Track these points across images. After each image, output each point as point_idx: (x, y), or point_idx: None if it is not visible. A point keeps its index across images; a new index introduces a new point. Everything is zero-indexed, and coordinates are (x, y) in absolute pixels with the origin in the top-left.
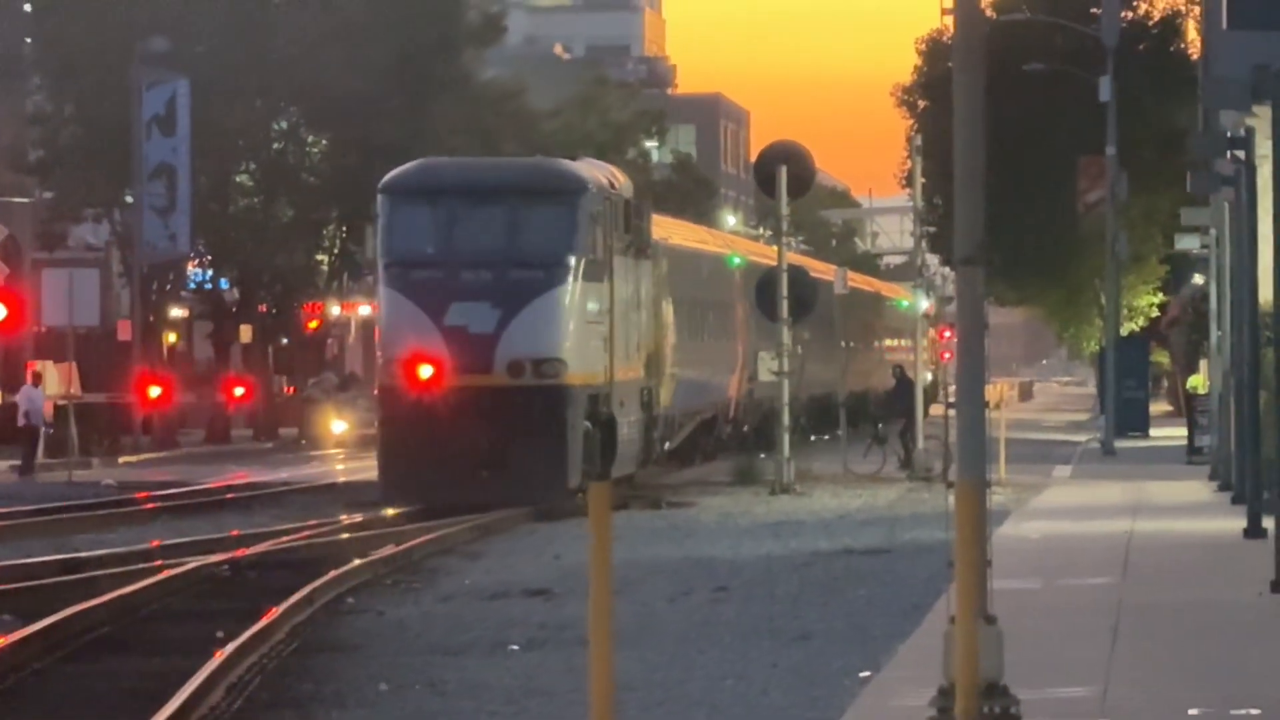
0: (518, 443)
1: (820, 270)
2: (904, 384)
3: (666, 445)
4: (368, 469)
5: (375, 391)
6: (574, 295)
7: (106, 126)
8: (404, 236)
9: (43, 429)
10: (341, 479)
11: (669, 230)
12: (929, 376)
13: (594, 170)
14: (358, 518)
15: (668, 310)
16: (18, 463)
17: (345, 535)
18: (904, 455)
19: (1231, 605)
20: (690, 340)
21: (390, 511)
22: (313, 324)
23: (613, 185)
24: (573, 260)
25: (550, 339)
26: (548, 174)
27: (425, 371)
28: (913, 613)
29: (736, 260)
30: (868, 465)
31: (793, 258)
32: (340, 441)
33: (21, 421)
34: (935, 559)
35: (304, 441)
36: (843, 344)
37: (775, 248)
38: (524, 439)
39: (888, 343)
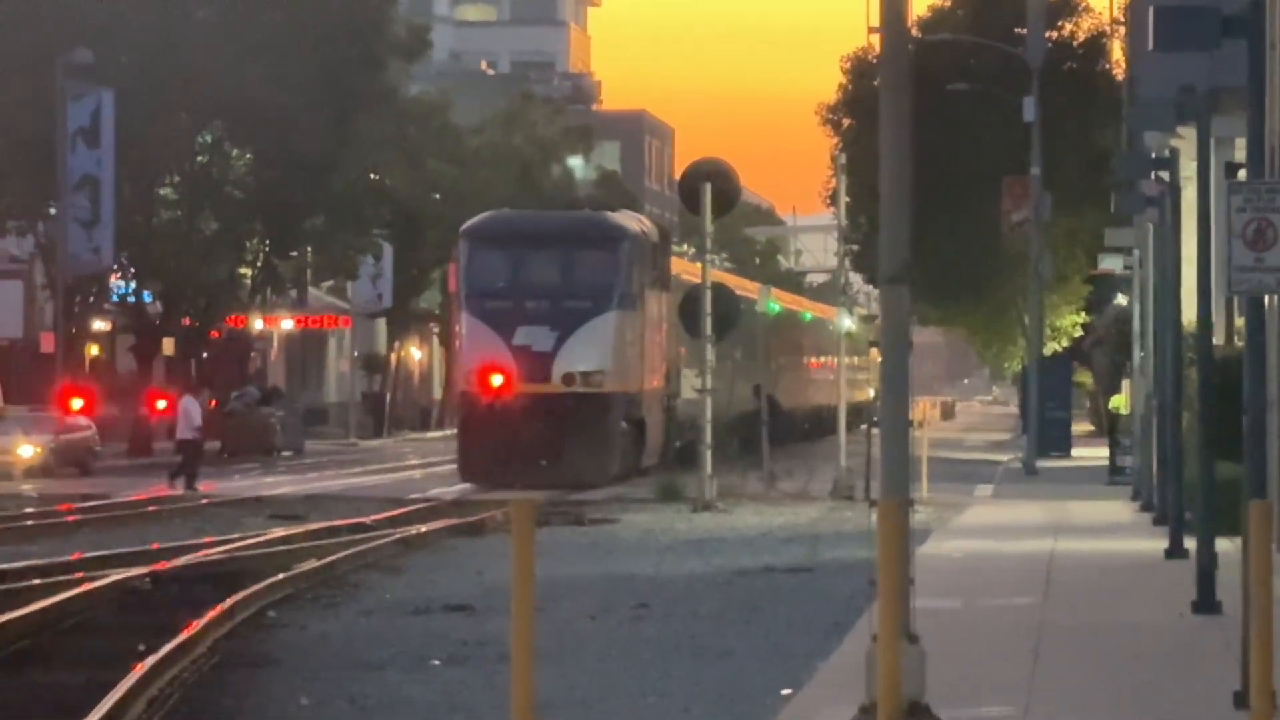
0: (570, 438)
1: (745, 288)
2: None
3: (678, 443)
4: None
5: (456, 397)
6: (614, 321)
7: (30, 138)
8: (480, 273)
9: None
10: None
11: (679, 267)
12: (871, 394)
13: (629, 220)
14: (279, 531)
15: (681, 332)
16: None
17: (267, 549)
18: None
19: (1153, 626)
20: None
21: (314, 525)
22: (213, 333)
23: (644, 232)
24: (613, 293)
25: (596, 356)
26: (594, 224)
27: (496, 380)
28: (835, 631)
29: None
30: (786, 483)
31: (720, 275)
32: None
33: (184, 434)
34: (857, 577)
35: (225, 455)
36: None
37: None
38: (575, 435)
39: (821, 360)
